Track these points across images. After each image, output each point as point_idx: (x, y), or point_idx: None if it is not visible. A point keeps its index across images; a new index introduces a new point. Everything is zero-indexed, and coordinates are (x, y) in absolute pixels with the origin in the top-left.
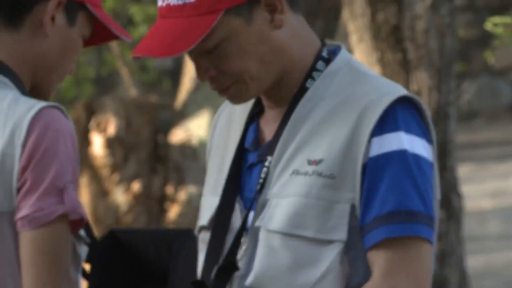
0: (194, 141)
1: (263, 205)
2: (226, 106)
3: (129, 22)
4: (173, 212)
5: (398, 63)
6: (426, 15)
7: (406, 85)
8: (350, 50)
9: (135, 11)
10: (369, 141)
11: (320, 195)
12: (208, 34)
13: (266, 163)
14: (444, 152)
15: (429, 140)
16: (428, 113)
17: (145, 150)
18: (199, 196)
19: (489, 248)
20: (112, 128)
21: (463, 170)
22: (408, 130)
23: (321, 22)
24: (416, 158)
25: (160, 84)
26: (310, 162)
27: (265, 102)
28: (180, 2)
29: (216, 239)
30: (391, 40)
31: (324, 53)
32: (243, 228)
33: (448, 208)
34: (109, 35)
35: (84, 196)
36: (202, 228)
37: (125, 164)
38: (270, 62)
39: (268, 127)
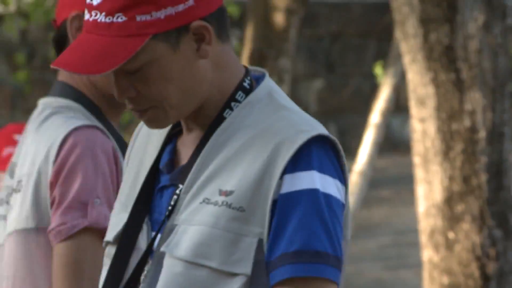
0: None
1: (170, 230)
2: None
3: None
4: None
5: (452, 83)
6: (478, 35)
7: (460, 105)
8: (403, 71)
9: None
10: (281, 178)
11: (227, 227)
12: (132, 56)
13: (177, 191)
14: (499, 172)
15: (342, 181)
16: (343, 153)
17: None
18: None
19: None
20: None
21: None
22: (322, 170)
23: (374, 43)
24: (328, 198)
25: None
26: (220, 192)
27: (183, 125)
28: (107, 20)
29: (119, 259)
30: (444, 60)
31: (246, 83)
32: (148, 251)
33: (505, 227)
34: None
35: None
36: (108, 243)
37: None
38: (191, 91)
39: (184, 151)
